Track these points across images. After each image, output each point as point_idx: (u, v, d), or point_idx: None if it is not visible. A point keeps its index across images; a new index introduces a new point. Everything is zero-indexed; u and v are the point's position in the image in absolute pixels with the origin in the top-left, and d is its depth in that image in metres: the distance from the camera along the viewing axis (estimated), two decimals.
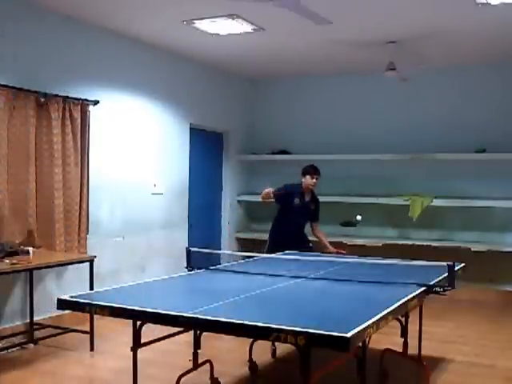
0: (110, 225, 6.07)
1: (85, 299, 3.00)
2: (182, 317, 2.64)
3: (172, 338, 3.63)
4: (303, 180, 5.88)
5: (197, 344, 3.69)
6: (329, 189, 7.16)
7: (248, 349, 4.28)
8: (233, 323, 2.50)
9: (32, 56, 5.18)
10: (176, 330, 3.35)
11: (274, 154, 8.29)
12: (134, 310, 2.79)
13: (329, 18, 5.19)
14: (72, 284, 5.32)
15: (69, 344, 4.93)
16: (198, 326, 3.01)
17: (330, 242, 6.02)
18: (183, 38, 6.21)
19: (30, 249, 4.59)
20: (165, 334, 3.55)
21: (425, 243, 7.07)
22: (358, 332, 2.35)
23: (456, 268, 3.62)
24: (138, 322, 3.09)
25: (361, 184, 7.68)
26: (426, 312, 4.46)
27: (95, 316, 4.53)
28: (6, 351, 4.59)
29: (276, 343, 4.51)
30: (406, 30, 5.81)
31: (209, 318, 2.57)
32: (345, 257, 5.05)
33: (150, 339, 3.37)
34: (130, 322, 3.07)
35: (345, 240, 7.28)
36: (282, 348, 4.61)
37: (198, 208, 7.51)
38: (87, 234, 5.62)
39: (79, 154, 5.47)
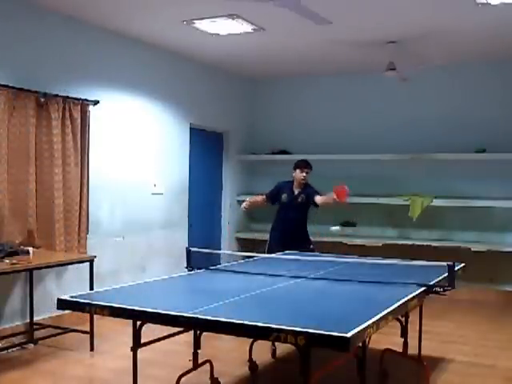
0: (109, 225, 6.07)
1: (85, 299, 3.00)
2: (182, 317, 2.64)
3: (172, 338, 3.63)
4: (293, 175, 5.87)
5: (197, 344, 3.69)
6: (329, 189, 7.14)
7: (248, 349, 4.28)
8: (233, 323, 2.50)
9: (32, 56, 5.18)
10: (176, 329, 3.35)
11: (273, 154, 8.29)
12: (134, 310, 2.79)
13: (329, 18, 5.19)
14: (72, 284, 5.32)
15: (69, 344, 4.93)
16: (198, 326, 3.01)
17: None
18: (183, 38, 6.21)
19: (30, 249, 4.59)
20: (165, 334, 3.55)
21: (425, 243, 7.07)
22: (358, 332, 2.35)
23: (456, 268, 3.61)
24: (138, 322, 3.09)
25: (361, 184, 7.66)
26: (426, 312, 4.46)
27: (95, 316, 4.53)
28: (5, 351, 4.59)
29: (276, 343, 4.51)
30: (406, 30, 5.81)
31: (209, 317, 2.57)
32: (344, 256, 5.04)
33: (150, 339, 3.37)
34: (130, 322, 3.07)
35: (345, 240, 7.28)
36: (282, 348, 4.61)
37: (197, 208, 7.51)
38: (87, 233, 5.62)
39: (79, 154, 5.47)
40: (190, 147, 7.29)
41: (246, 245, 8.12)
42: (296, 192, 5.86)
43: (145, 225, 6.55)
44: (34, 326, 5.01)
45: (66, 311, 4.17)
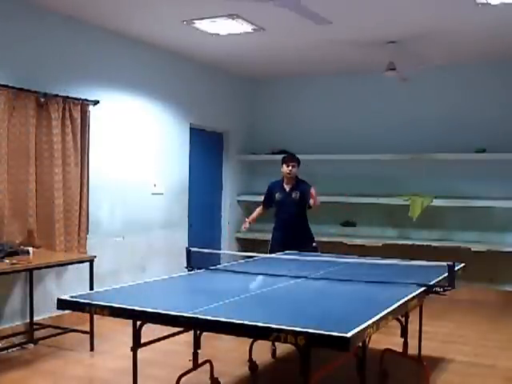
0: (109, 225, 6.07)
1: (85, 299, 3.00)
2: (182, 317, 2.64)
3: (172, 338, 3.63)
4: (282, 170, 5.82)
5: (197, 344, 3.69)
6: (329, 189, 7.16)
7: (248, 349, 4.28)
8: (233, 323, 2.50)
9: (32, 56, 5.18)
10: (176, 329, 3.35)
11: (273, 154, 8.27)
12: (134, 310, 2.79)
13: (329, 18, 5.19)
14: (72, 284, 5.32)
15: (69, 344, 4.93)
16: (198, 326, 3.01)
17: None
18: (183, 38, 6.21)
19: (30, 249, 4.59)
20: (165, 334, 3.55)
21: (425, 243, 7.07)
22: (358, 332, 2.35)
23: (456, 268, 3.61)
24: (138, 322, 3.09)
25: (361, 184, 7.68)
26: (426, 312, 4.46)
27: (95, 316, 4.53)
28: (5, 351, 4.59)
29: (276, 343, 4.51)
30: (406, 30, 5.81)
31: (209, 317, 2.57)
32: (344, 256, 5.04)
33: (150, 339, 3.37)
34: (130, 322, 3.07)
35: (345, 240, 7.28)
36: (282, 348, 4.61)
37: (197, 208, 7.51)
38: (87, 233, 5.62)
39: (79, 154, 5.47)
40: (190, 147, 7.29)
41: (245, 245, 8.12)
42: (287, 188, 5.78)
43: (145, 225, 6.55)
44: (34, 326, 5.01)
45: (66, 311, 4.17)
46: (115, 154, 6.12)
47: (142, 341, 3.20)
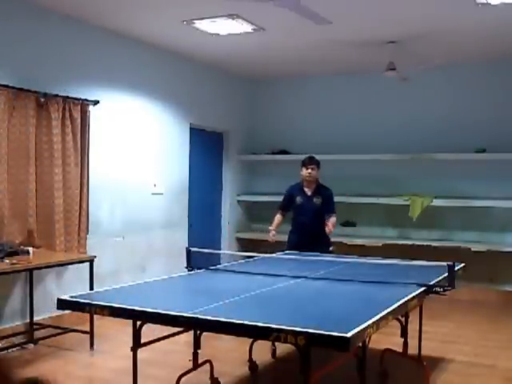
0: (109, 225, 6.07)
1: (85, 299, 3.00)
2: (182, 317, 2.64)
3: (172, 338, 3.63)
4: (301, 173, 5.69)
5: (197, 344, 3.69)
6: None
7: (248, 349, 4.28)
8: (233, 323, 2.50)
9: (32, 56, 5.18)
10: (176, 329, 3.35)
11: (274, 154, 8.30)
12: (134, 310, 2.79)
13: (329, 18, 5.19)
14: (72, 284, 5.32)
15: (69, 344, 4.93)
16: (198, 326, 3.01)
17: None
18: (183, 38, 6.21)
19: (30, 249, 4.59)
20: (165, 334, 3.55)
21: (425, 243, 7.06)
22: (358, 332, 2.35)
23: (456, 268, 3.62)
24: (138, 322, 3.09)
25: (361, 184, 7.68)
26: (426, 312, 4.46)
27: (95, 316, 4.53)
28: (6, 351, 4.58)
29: (276, 343, 4.51)
30: (405, 30, 5.81)
31: (209, 317, 2.57)
32: (344, 257, 5.04)
33: (150, 339, 3.37)
34: (130, 322, 3.07)
35: (345, 240, 7.27)
36: (282, 348, 4.61)
37: (198, 208, 7.51)
38: (87, 233, 5.62)
39: (79, 154, 5.47)
40: (190, 147, 7.29)
41: (245, 245, 8.12)
42: (309, 193, 5.64)
43: (145, 225, 6.55)
44: (34, 326, 5.01)
45: (66, 311, 4.16)
46: (115, 154, 6.12)
47: (142, 341, 3.20)
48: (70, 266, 5.22)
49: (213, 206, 8.00)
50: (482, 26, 5.62)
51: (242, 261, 4.98)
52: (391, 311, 2.83)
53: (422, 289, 3.40)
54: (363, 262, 4.62)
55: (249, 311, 2.90)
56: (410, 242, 7.17)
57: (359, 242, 7.30)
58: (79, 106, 5.46)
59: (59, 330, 4.97)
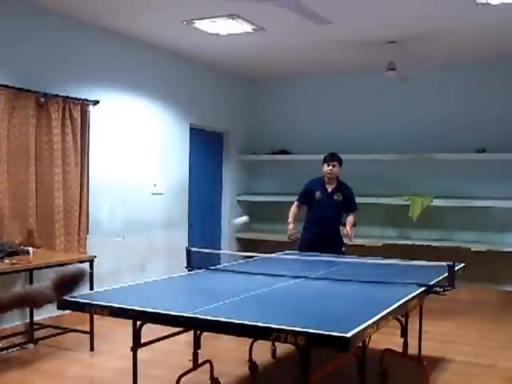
0: (109, 225, 6.06)
1: (85, 299, 3.00)
2: (182, 317, 2.64)
3: (172, 338, 3.63)
4: (323, 170, 5.63)
5: (197, 344, 3.69)
6: None
7: (248, 349, 4.28)
8: (233, 323, 2.50)
9: (32, 56, 5.18)
10: (176, 329, 3.35)
11: (274, 154, 8.29)
12: (134, 309, 2.80)
13: (329, 18, 5.19)
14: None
15: (69, 344, 4.93)
16: (198, 326, 3.01)
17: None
18: (183, 38, 6.21)
19: (30, 249, 4.59)
20: (165, 334, 3.55)
21: (425, 243, 7.06)
22: (358, 332, 2.35)
23: (456, 268, 3.62)
24: (138, 322, 3.09)
25: (361, 184, 7.66)
26: (426, 312, 4.46)
27: (95, 316, 4.53)
28: (6, 351, 4.59)
29: (276, 343, 4.51)
30: (405, 30, 5.81)
31: (209, 317, 2.57)
32: (345, 256, 5.04)
33: (150, 339, 3.37)
34: (130, 322, 3.07)
35: (345, 240, 7.25)
36: (282, 348, 4.61)
37: (198, 208, 7.51)
38: (87, 233, 5.62)
39: (79, 154, 5.47)
40: (190, 147, 7.29)
41: (245, 245, 8.12)
42: (329, 189, 5.59)
43: (145, 225, 6.55)
44: (34, 326, 5.01)
45: (66, 311, 4.16)
46: (115, 154, 6.12)
47: (142, 341, 3.21)
48: (70, 266, 5.21)
49: (213, 206, 7.99)
50: (482, 26, 5.62)
51: (242, 261, 4.98)
52: (391, 311, 2.83)
53: (422, 289, 3.40)
54: (363, 262, 4.62)
55: (249, 311, 2.90)
56: (410, 242, 7.17)
57: (359, 242, 7.29)
58: (79, 106, 5.46)
59: (59, 330, 4.98)
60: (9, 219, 4.87)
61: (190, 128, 7.31)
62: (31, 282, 5.02)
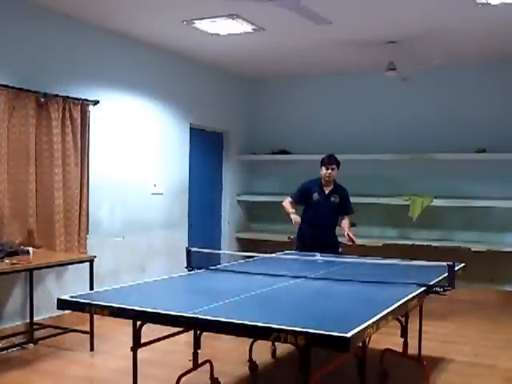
0: (109, 225, 6.07)
1: (85, 299, 3.00)
2: (182, 317, 2.64)
3: (172, 338, 3.63)
4: (320, 172, 5.61)
5: (197, 344, 3.69)
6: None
7: (248, 349, 4.28)
8: (233, 323, 2.50)
9: (32, 56, 5.18)
10: (176, 329, 3.35)
11: (274, 154, 8.29)
12: (134, 309, 2.79)
13: (329, 18, 5.19)
14: (72, 284, 5.32)
15: (69, 344, 4.93)
16: (198, 326, 3.01)
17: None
18: (183, 38, 6.21)
19: (30, 249, 4.59)
20: (165, 334, 3.55)
21: (425, 243, 7.06)
22: (358, 332, 2.35)
23: (456, 268, 3.62)
24: (138, 322, 3.09)
25: (361, 184, 7.67)
26: (426, 312, 4.46)
27: (95, 316, 4.53)
28: (6, 351, 4.59)
29: (276, 343, 4.51)
30: (405, 30, 5.81)
31: (209, 317, 2.57)
32: (345, 256, 5.04)
33: (150, 339, 3.37)
34: (130, 322, 3.07)
35: (345, 240, 7.26)
36: (282, 348, 4.61)
37: (197, 208, 7.51)
38: (87, 233, 5.62)
39: (79, 154, 5.47)
40: (190, 147, 7.29)
41: (245, 245, 8.12)
42: (326, 191, 5.59)
43: (145, 225, 6.55)
44: (34, 326, 5.01)
45: (66, 311, 4.17)
46: (115, 154, 6.12)
47: (142, 341, 3.21)
48: (69, 266, 5.22)
49: (213, 206, 7.99)
50: (482, 25, 5.62)
51: (242, 261, 4.98)
52: (391, 311, 2.83)
53: (422, 289, 3.40)
54: (363, 262, 4.62)
55: (249, 311, 2.90)
56: (410, 242, 7.17)
57: (359, 241, 7.27)
58: (79, 106, 5.46)
59: (59, 330, 4.98)
60: (9, 219, 4.87)
61: (190, 128, 7.31)
62: (31, 281, 5.03)
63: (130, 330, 3.12)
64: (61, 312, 4.53)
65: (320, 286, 3.66)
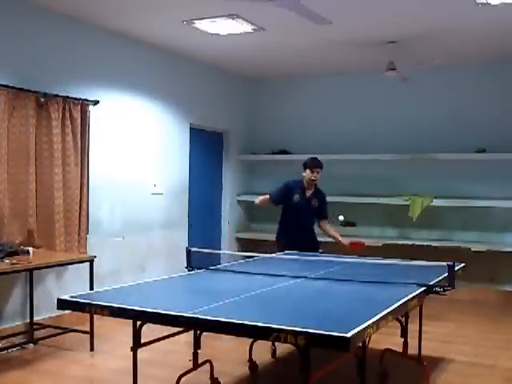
0: (109, 225, 6.07)
1: (85, 299, 3.00)
2: (182, 317, 2.64)
3: (172, 338, 3.63)
4: (304, 174, 5.60)
5: (197, 344, 3.69)
6: (329, 189, 7.14)
7: (248, 349, 4.28)
8: (233, 323, 2.50)
9: (32, 56, 5.18)
10: (176, 329, 3.35)
11: (274, 154, 8.30)
12: (134, 309, 2.79)
13: (329, 18, 5.18)
14: (72, 284, 5.32)
15: (69, 344, 4.93)
16: (198, 326, 3.01)
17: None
18: (183, 38, 6.21)
19: (30, 249, 4.59)
20: (165, 334, 3.55)
21: (425, 243, 7.06)
22: (358, 332, 2.35)
23: (456, 268, 3.61)
24: (138, 322, 3.09)
25: (361, 184, 7.68)
26: (426, 312, 4.46)
27: (95, 316, 4.53)
28: (6, 351, 4.59)
29: (276, 343, 4.51)
30: (405, 30, 5.81)
31: (209, 317, 2.57)
32: (344, 256, 5.03)
33: (150, 339, 3.37)
34: (130, 322, 3.07)
35: (345, 240, 7.26)
36: (282, 348, 4.61)
37: (197, 208, 7.51)
38: (87, 233, 5.62)
39: (79, 154, 5.47)
40: (190, 147, 7.29)
41: (245, 245, 8.12)
42: (308, 194, 5.60)
43: (145, 225, 6.55)
44: (34, 326, 5.01)
45: (66, 311, 4.17)
46: (115, 154, 6.12)
47: (142, 341, 3.20)
48: (69, 266, 5.22)
49: (213, 206, 8.00)
50: (482, 26, 5.62)
51: (242, 261, 4.98)
52: (391, 311, 2.83)
53: (422, 289, 3.40)
54: (363, 262, 4.62)
55: (249, 311, 2.89)
56: (410, 242, 7.17)
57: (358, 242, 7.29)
58: (79, 106, 5.46)
59: (59, 330, 4.98)
60: (9, 219, 4.88)
61: (190, 128, 7.31)
62: (31, 281, 5.03)
63: (130, 330, 3.12)
64: (61, 312, 4.53)
65: (320, 285, 3.65)
